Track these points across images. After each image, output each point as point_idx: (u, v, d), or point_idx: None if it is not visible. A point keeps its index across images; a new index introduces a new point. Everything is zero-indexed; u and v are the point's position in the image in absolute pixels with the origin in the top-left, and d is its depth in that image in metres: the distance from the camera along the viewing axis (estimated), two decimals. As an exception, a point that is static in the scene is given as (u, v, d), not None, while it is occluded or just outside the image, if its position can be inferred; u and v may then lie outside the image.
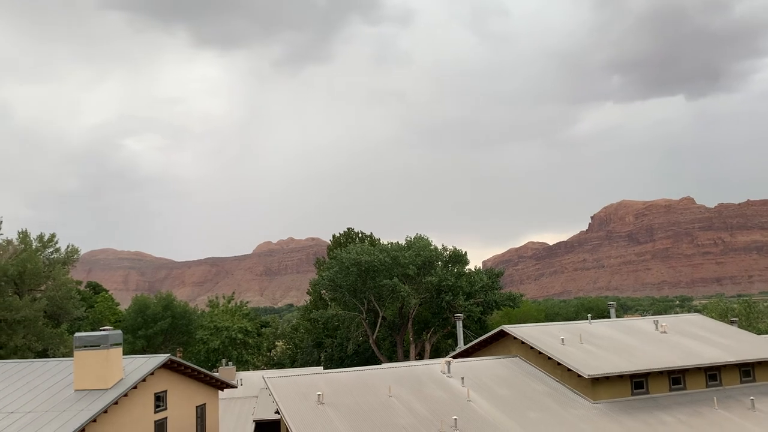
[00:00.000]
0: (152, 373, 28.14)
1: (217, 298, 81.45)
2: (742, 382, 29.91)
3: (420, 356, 67.55)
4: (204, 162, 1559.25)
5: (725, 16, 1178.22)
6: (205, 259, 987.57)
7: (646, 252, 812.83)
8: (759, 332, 50.63)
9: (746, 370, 30.17)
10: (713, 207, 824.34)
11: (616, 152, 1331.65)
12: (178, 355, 62.66)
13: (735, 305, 76.57)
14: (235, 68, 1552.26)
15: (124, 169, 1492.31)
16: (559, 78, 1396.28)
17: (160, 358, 29.15)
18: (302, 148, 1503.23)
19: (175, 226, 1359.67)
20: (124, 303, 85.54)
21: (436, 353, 68.77)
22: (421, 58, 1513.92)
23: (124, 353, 29.66)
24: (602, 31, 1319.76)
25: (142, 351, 63.30)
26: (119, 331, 28.26)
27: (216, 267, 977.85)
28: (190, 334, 71.64)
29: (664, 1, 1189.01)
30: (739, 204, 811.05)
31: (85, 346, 26.78)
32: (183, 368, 31.18)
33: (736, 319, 48.32)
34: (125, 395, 26.26)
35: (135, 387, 26.90)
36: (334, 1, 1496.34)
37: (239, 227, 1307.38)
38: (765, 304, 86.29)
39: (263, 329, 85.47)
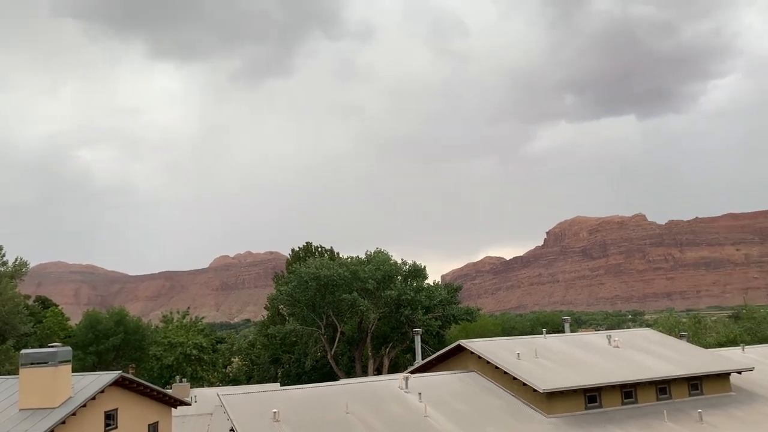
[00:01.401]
0: (102, 391, 27.36)
1: (171, 313, 79.82)
2: (690, 395, 30.69)
3: (378, 371, 67.33)
4: (160, 174, 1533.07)
5: (674, 40, 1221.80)
6: (160, 273, 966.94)
7: (599, 267, 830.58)
8: (707, 346, 52.07)
9: (694, 384, 30.99)
10: (664, 224, 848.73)
11: (571, 170, 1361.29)
12: (131, 371, 61.09)
13: (684, 320, 78.77)
14: (193, 80, 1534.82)
15: (78, 180, 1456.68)
16: (514, 96, 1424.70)
17: (111, 375, 28.39)
18: (261, 161, 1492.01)
19: (129, 239, 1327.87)
20: (75, 318, 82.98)
21: (395, 368, 68.68)
22: (382, 73, 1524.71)
23: (74, 370, 28.79)
24: (556, 51, 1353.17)
25: (93, 368, 61.46)
26: (68, 348, 27.42)
27: (171, 281, 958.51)
28: (143, 350, 69.93)
29: (615, 23, 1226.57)
30: (688, 221, 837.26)
31: (31, 364, 25.88)
32: (135, 385, 30.43)
33: (686, 333, 49.64)
34: (73, 414, 25.43)
35: (84, 405, 26.10)
36: (294, 15, 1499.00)
37: (196, 240, 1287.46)
38: (713, 318, 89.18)
39: (219, 345, 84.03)
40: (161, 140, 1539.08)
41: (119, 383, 29.12)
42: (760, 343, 52.19)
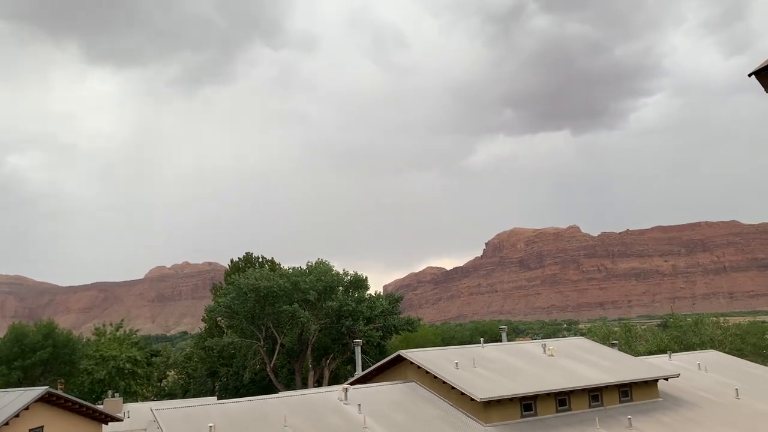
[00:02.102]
0: (27, 408, 26.18)
1: (104, 325, 77.07)
2: (621, 401, 31.75)
3: (319, 383, 66.82)
4: (94, 182, 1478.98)
5: (606, 58, 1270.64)
6: (93, 284, 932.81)
7: (536, 277, 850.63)
8: (636, 354, 54.09)
9: (624, 391, 32.09)
10: (597, 235, 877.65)
11: (509, 182, 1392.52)
12: (60, 387, 58.43)
13: (616, 328, 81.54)
14: (129, 86, 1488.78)
15: (5, 187, 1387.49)
16: (455, 109, 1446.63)
17: (37, 391, 27.22)
18: (200, 169, 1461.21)
19: (60, 249, 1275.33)
20: (1, 331, 79.08)
21: (336, 380, 68.32)
22: (324, 83, 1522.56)
23: (-3, 387, 27.46)
24: (495, 67, 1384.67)
25: (18, 383, 58.56)
26: (-9, 364, 26.16)
27: (104, 292, 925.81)
28: (73, 364, 67.15)
29: (551, 41, 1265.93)
30: (620, 233, 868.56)
31: (-50, 381, 24.55)
32: (62, 401, 29.25)
33: (617, 342, 51.40)
34: (-5, 433, 24.26)
35: (6, 423, 24.90)
36: (235, 23, 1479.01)
37: (130, 251, 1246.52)
38: (643, 327, 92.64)
39: (154, 358, 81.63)
40: (95, 146, 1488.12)
41: (45, 399, 27.94)
42: (686, 350, 54.61)
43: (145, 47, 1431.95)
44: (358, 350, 45.07)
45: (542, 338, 71.23)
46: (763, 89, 5.02)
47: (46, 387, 28.38)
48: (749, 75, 5.04)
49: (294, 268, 71.41)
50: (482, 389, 28.41)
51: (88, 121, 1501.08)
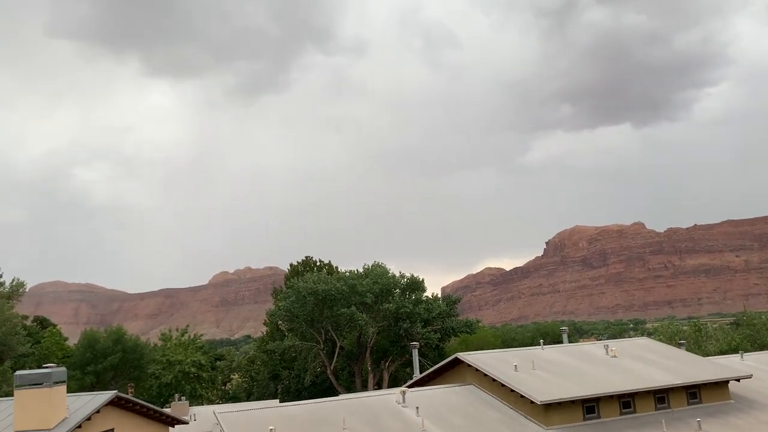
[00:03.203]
0: (98, 411, 27.22)
1: (170, 330, 79.57)
2: (689, 404, 30.62)
3: (378, 386, 67.05)
4: (157, 191, 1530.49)
5: (665, 49, 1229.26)
6: (159, 290, 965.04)
7: (599, 276, 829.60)
8: (706, 354, 52.05)
9: (693, 392, 30.92)
10: (663, 231, 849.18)
11: (568, 179, 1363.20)
12: (129, 390, 60.79)
13: (685, 328, 78.64)
14: (187, 97, 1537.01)
15: (74, 199, 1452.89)
16: (510, 107, 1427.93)
17: (107, 395, 28.26)
18: (258, 176, 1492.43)
19: (127, 257, 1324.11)
20: (75, 337, 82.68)
21: (395, 382, 68.36)
22: (376, 87, 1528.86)
23: (72, 390, 28.73)
24: (549, 62, 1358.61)
25: (91, 387, 61.18)
26: (63, 368, 27.32)
27: (170, 298, 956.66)
28: (141, 368, 69.63)
29: (607, 34, 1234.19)
30: (687, 228, 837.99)
31: (26, 385, 25.73)
32: (131, 405, 30.29)
33: (684, 342, 49.52)
34: (69, 435, 25.30)
35: (79, 426, 25.95)
36: (288, 31, 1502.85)
37: (194, 257, 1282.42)
38: (714, 325, 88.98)
39: (218, 362, 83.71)
40: (157, 157, 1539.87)
41: (115, 403, 28.98)
42: (760, 350, 52.11)
43: (201, 59, 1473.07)
44: (415, 353, 44.99)
45: (607, 339, 69.49)
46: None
47: (116, 391, 29.47)
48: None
49: (351, 272, 71.92)
50: (542, 391, 27.90)
51: (149, 133, 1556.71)
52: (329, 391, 67.23)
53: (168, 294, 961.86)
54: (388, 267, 71.49)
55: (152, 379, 68.82)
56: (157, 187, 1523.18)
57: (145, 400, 33.43)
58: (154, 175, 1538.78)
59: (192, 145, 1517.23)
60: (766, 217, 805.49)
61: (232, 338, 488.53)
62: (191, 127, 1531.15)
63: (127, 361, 68.20)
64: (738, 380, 32.20)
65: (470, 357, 33.11)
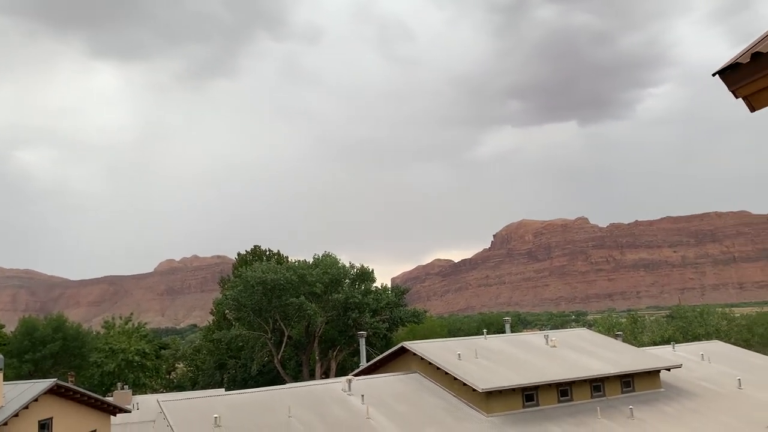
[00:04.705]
0: (36, 400, 26.70)
1: (113, 318, 77.84)
2: (623, 392, 32.02)
3: (326, 375, 67.34)
4: (102, 176, 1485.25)
5: (612, 48, 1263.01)
6: (103, 277, 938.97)
7: (544, 269, 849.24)
8: (641, 345, 54.25)
9: (627, 381, 32.34)
10: (605, 227, 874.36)
11: (516, 174, 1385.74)
12: (70, 379, 59.32)
13: (623, 320, 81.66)
14: (134, 80, 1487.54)
15: (14, 182, 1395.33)
16: (461, 101, 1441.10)
17: (45, 383, 27.73)
18: (207, 163, 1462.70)
19: (70, 243, 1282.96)
20: (12, 325, 79.98)
21: (343, 371, 68.78)
22: (330, 76, 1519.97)
23: (10, 378, 28.03)
24: (500, 58, 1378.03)
25: (30, 376, 59.41)
26: (0, 356, 26.66)
27: (114, 286, 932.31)
28: (83, 357, 68.02)
29: (556, 32, 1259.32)
30: (628, 224, 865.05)
31: (-39, 373, 25.07)
32: (71, 393, 29.77)
33: (621, 333, 51.51)
34: (5, 424, 24.74)
35: (16, 415, 25.42)
36: (239, 15, 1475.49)
37: (140, 245, 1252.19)
38: (651, 318, 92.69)
39: (162, 351, 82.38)
40: (102, 141, 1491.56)
41: (54, 391, 28.45)
42: (691, 341, 54.69)
43: (148, 41, 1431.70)
44: (362, 342, 45.48)
45: (549, 330, 71.59)
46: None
47: (55, 379, 28.90)
48: (713, 75, 5.28)
49: (301, 261, 71.84)
50: (484, 380, 28.73)
51: (94, 116, 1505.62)
52: (276, 381, 67.15)
53: (112, 281, 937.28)
54: (338, 257, 71.80)
55: (94, 368, 67.33)
56: (101, 172, 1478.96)
57: (86, 389, 32.86)
58: (98, 159, 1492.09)
59: (139, 130, 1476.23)
60: (702, 215, 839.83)
61: (177, 327, 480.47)
62: (138, 110, 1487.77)
63: (68, 350, 66.54)
64: (669, 370, 33.86)
65: (415, 346, 33.75)
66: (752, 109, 5.29)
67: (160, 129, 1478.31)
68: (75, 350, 67.35)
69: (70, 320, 73.48)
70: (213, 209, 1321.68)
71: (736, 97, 5.26)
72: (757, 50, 4.92)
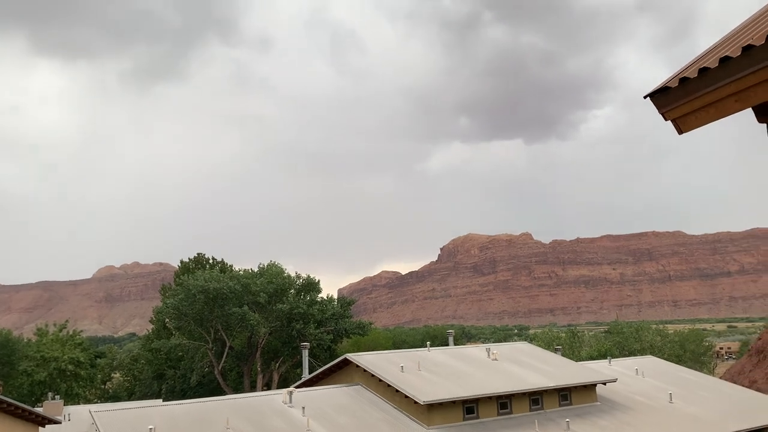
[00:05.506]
0: (-41, 410, 25.40)
1: (47, 326, 74.83)
2: (560, 405, 32.65)
3: (267, 387, 66.36)
4: (40, 177, 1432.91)
5: (558, 70, 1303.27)
6: (37, 282, 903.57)
7: (489, 283, 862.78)
8: (579, 359, 55.52)
9: (564, 394, 33.01)
10: (548, 243, 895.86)
11: (464, 188, 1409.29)
12: (-4, 389, 56.72)
13: (563, 334, 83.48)
14: (78, 80, 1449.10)
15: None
16: (411, 115, 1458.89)
17: (-30, 392, 26.39)
18: (151, 167, 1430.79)
19: (2, 246, 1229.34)
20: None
21: (285, 383, 67.92)
22: (280, 85, 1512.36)
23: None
24: (451, 74, 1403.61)
25: (-48, 385, 56.48)
26: None
27: (49, 292, 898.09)
28: (12, 365, 65.12)
29: (506, 51, 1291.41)
30: (571, 241, 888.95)
31: None
32: (-2, 404, 28.44)
33: (560, 347, 52.67)
34: (-77, 436, 23.44)
35: (-64, 426, 24.12)
36: (189, 19, 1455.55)
37: (78, 249, 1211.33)
38: (590, 333, 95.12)
39: (98, 360, 79.65)
40: (41, 141, 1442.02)
41: (-21, 401, 27.13)
42: (627, 356, 56.36)
43: (94, 40, 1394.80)
44: (305, 353, 45.03)
45: (493, 343, 72.60)
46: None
47: (-20, 388, 27.60)
48: (644, 97, 5.50)
49: (245, 270, 70.84)
50: (425, 392, 28.84)
51: (34, 115, 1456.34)
52: (216, 392, 65.73)
53: (47, 287, 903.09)
54: (284, 267, 71.15)
55: (24, 377, 64.54)
56: (40, 172, 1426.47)
57: (14, 399, 31.44)
58: (37, 159, 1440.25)
59: (81, 131, 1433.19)
60: (640, 234, 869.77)
61: (115, 335, 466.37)
62: (81, 111, 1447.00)
63: (-4, 358, 63.68)
64: (605, 383, 34.71)
65: (358, 358, 33.64)
66: (680, 131, 5.52)
67: (102, 130, 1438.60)
68: (3, 358, 64.54)
69: (0, 327, 70.30)
70: (156, 215, 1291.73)
71: (665, 120, 5.49)
72: (684, 75, 5.15)
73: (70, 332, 74.43)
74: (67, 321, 79.82)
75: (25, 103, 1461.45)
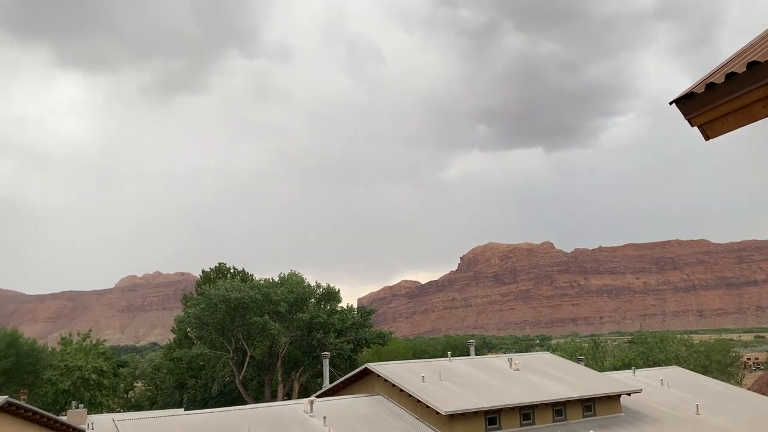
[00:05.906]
0: (-15, 418, 25.77)
1: (71, 335, 75.76)
2: (584, 416, 32.22)
3: (288, 396, 66.41)
4: (63, 188, 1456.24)
5: (577, 78, 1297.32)
6: (61, 292, 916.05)
7: (510, 293, 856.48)
8: (602, 369, 54.81)
9: (588, 405, 32.57)
10: (570, 252, 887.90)
11: (484, 197, 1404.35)
12: (22, 397, 57.38)
13: (585, 344, 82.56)
14: (100, 92, 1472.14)
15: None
16: (430, 123, 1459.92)
17: (-4, 401, 26.79)
18: (173, 178, 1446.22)
19: (27, 256, 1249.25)
20: (-39, 340, 77.24)
21: (305, 393, 67.89)
22: (299, 94, 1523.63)
23: (-46, 396, 26.95)
24: (470, 82, 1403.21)
25: (-21, 394, 57.35)
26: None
27: (73, 301, 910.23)
28: (37, 374, 65.94)
29: (524, 59, 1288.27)
30: (593, 250, 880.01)
31: None
32: (23, 411, 28.78)
33: (583, 357, 52.05)
34: (-49, 443, 23.82)
35: (-36, 434, 24.49)
36: (210, 31, 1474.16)
37: (101, 259, 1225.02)
38: (613, 343, 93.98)
39: (121, 369, 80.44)
40: (65, 152, 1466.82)
41: (5, 409, 27.48)
42: (652, 366, 55.52)
43: (118, 53, 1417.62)
44: (325, 363, 45.01)
45: (515, 353, 72.00)
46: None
47: (7, 396, 27.94)
48: (670, 103, 5.42)
49: (266, 280, 71.12)
50: (447, 402, 28.63)
51: (57, 127, 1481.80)
52: (237, 401, 65.92)
53: (71, 297, 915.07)
54: (304, 276, 71.28)
55: (48, 386, 65.31)
56: (64, 183, 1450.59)
57: (39, 407, 31.83)
58: (61, 171, 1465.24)
59: (103, 142, 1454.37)
60: (664, 243, 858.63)
61: (137, 345, 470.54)
62: (103, 123, 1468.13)
63: (21, 366, 64.48)
64: (629, 394, 34.20)
65: (379, 367, 33.54)
66: (707, 137, 5.45)
67: (124, 142, 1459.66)
68: (28, 367, 65.30)
69: (25, 336, 71.31)
70: (178, 225, 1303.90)
71: (692, 126, 5.42)
72: (711, 80, 5.08)
73: (94, 341, 75.33)
74: (90, 330, 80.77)
75: (49, 115, 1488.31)
